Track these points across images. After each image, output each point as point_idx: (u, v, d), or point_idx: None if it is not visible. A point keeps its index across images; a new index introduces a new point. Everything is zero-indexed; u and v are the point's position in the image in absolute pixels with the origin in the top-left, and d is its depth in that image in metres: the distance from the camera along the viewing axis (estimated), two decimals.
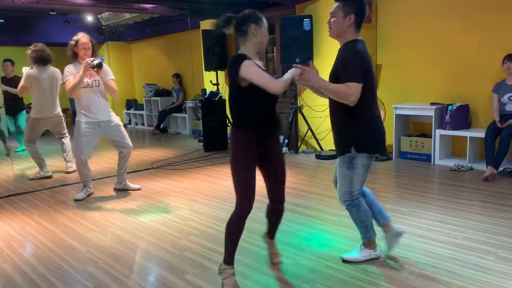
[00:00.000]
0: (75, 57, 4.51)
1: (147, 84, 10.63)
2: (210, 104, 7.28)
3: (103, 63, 4.44)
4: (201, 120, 7.44)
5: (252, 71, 2.39)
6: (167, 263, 3.02)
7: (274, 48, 7.33)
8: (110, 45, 10.54)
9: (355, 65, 2.54)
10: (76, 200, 4.64)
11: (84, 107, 4.48)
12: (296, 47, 6.10)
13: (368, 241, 2.91)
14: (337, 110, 2.70)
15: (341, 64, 2.59)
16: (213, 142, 7.21)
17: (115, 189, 4.99)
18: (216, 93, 7.47)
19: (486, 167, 4.83)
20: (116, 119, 4.69)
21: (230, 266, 2.57)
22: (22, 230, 3.84)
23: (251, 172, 2.50)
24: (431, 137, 5.69)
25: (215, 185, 5.02)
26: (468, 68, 5.57)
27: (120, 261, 3.09)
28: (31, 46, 5.42)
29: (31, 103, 5.59)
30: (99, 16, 8.47)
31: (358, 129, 2.66)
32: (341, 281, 2.66)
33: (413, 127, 6.26)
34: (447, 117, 5.48)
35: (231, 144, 2.57)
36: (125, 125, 11.05)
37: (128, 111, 11.25)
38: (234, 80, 2.45)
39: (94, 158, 5.84)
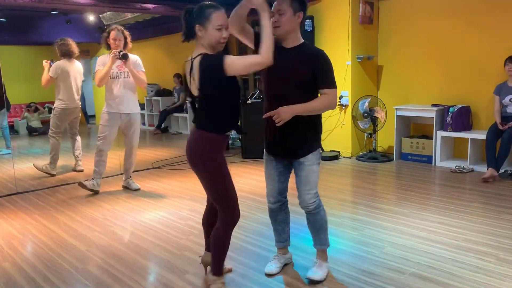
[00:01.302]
0: (109, 48, 4.65)
1: (148, 84, 10.61)
2: None
3: (131, 55, 4.56)
4: None
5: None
6: (167, 263, 3.03)
7: None
8: None
9: (332, 70, 2.52)
10: (79, 183, 4.72)
11: (110, 97, 4.63)
12: None
13: (325, 249, 2.79)
14: None
15: (324, 70, 2.48)
16: None
17: (123, 186, 5.06)
18: None
19: (487, 169, 4.83)
20: (138, 116, 4.82)
21: (221, 277, 2.50)
22: (22, 229, 3.84)
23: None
24: (432, 139, 5.69)
25: None
26: (469, 70, 5.57)
27: (120, 261, 3.09)
28: (58, 40, 5.66)
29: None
30: (100, 15, 8.47)
31: (321, 125, 2.71)
32: (341, 282, 2.66)
33: (414, 128, 6.26)
34: (448, 118, 5.48)
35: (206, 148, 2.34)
36: None
37: None
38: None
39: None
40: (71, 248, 3.35)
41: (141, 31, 10.43)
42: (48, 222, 3.98)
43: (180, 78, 9.97)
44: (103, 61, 4.60)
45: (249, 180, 5.18)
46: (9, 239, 3.61)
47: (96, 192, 4.80)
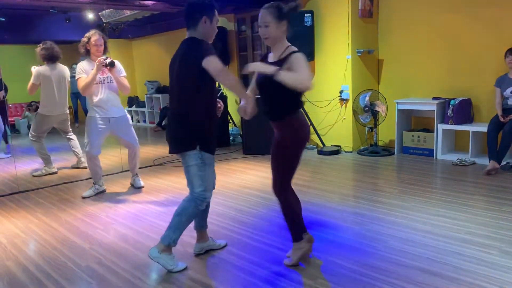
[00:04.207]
0: (87, 54, 4.53)
1: (149, 81, 10.62)
2: None
3: (115, 61, 4.48)
4: None
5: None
6: None
7: None
8: (111, 42, 10.41)
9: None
10: (83, 197, 4.63)
11: (96, 103, 4.49)
12: (297, 42, 6.05)
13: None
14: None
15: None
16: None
17: (131, 183, 5.04)
18: (218, 89, 7.45)
19: (489, 162, 4.83)
20: (127, 117, 4.73)
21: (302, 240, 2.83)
22: (25, 227, 3.85)
23: None
24: (434, 132, 5.68)
25: (216, 181, 5.01)
26: (470, 62, 5.55)
27: (123, 258, 3.10)
28: (41, 44, 5.49)
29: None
30: (99, 13, 8.46)
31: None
32: (344, 277, 2.66)
33: (415, 121, 6.25)
34: (449, 111, 5.47)
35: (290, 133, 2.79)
36: None
37: (130, 109, 11.22)
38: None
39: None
40: (74, 246, 3.36)
41: (140, 29, 10.42)
42: (50, 220, 3.98)
43: None
44: (85, 68, 4.43)
45: (251, 176, 5.18)
46: (12, 237, 3.62)
47: (103, 191, 4.80)
